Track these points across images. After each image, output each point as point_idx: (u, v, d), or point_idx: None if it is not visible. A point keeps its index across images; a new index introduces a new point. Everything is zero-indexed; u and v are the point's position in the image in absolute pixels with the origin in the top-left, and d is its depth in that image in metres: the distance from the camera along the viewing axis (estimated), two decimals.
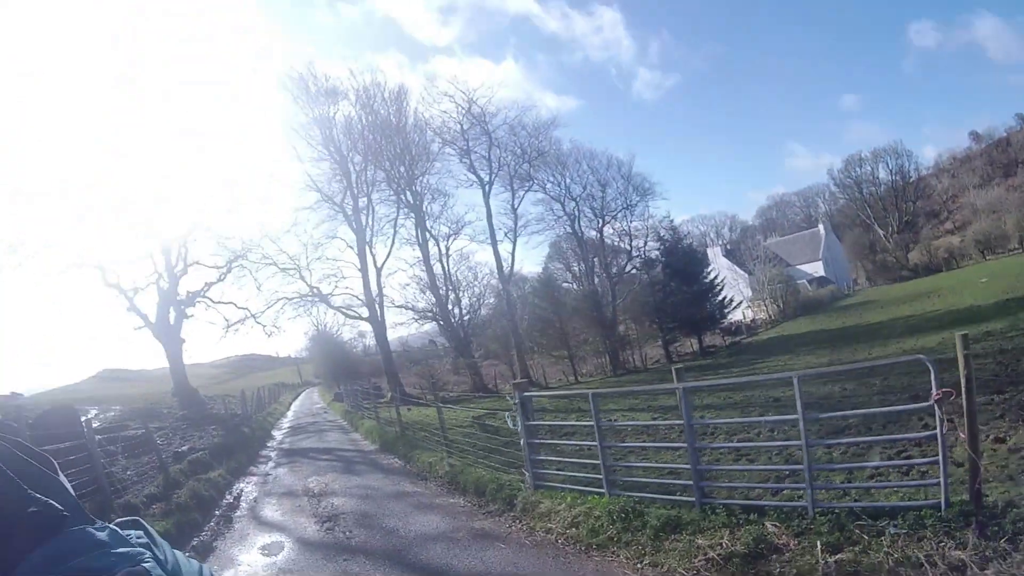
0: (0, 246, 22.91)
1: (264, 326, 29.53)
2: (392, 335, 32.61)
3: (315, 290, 29.30)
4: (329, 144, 28.83)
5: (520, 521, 5.80)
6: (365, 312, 29.78)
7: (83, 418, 10.27)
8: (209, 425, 16.81)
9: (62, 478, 0.60)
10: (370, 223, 29.44)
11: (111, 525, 0.59)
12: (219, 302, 28.61)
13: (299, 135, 28.96)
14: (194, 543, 6.73)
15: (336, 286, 29.83)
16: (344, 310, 30.65)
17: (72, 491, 0.60)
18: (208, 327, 28.49)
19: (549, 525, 5.38)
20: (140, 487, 8.82)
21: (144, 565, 0.54)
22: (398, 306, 31.51)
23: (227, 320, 28.94)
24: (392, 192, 30.04)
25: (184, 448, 12.58)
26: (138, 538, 0.60)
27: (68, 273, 26.03)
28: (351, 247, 29.35)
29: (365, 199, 29.42)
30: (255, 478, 11.00)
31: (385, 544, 5.88)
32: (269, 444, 16.55)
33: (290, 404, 35.15)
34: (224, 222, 30.28)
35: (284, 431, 20.30)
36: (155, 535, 0.63)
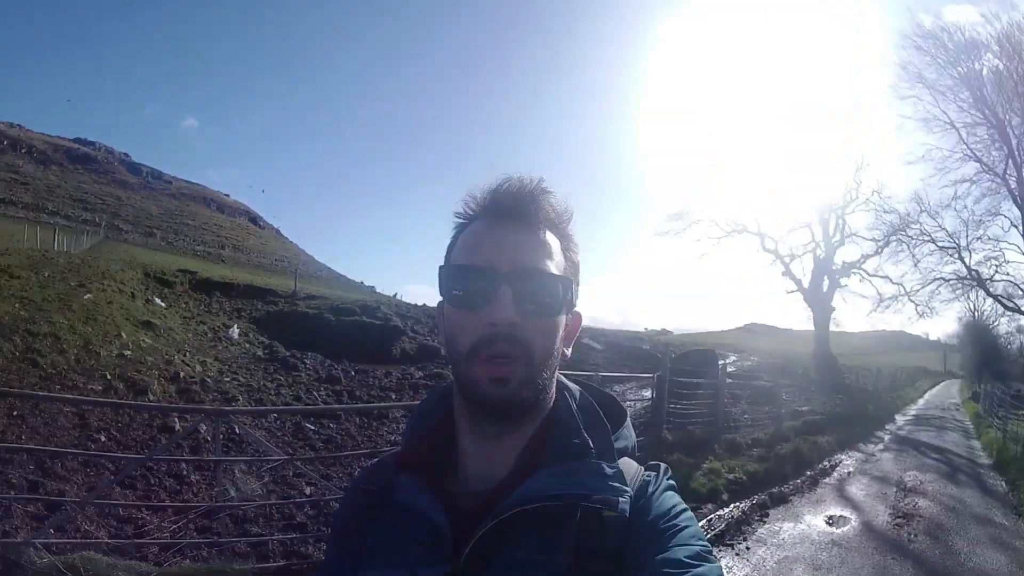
0: (667, 215, 34.33)
1: (916, 305, 31.14)
2: None
3: (974, 273, 29.01)
4: (983, 106, 27.08)
5: None
6: None
7: (720, 362, 13.86)
8: (836, 393, 19.48)
9: (626, 428, 0.87)
10: None
11: (621, 465, 0.79)
12: (874, 275, 32.17)
13: (948, 98, 28.12)
14: (772, 490, 8.79)
15: (996, 271, 28.71)
16: (1003, 299, 29.27)
17: (625, 437, 0.86)
18: (859, 299, 32.19)
19: None
20: (750, 431, 11.84)
21: (619, 499, 0.73)
22: None
23: (880, 294, 31.99)
24: None
25: (804, 408, 15.27)
26: (644, 478, 0.81)
27: (728, 238, 34.93)
28: (1016, 226, 27.57)
29: None
30: (858, 455, 12.55)
31: (937, 563, 6.40)
32: (887, 426, 17.97)
33: (924, 392, 37.24)
34: (880, 195, 31.79)
35: (907, 418, 21.60)
36: (661, 479, 0.82)
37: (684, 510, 0.78)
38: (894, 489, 9.51)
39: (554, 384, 0.83)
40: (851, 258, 33.41)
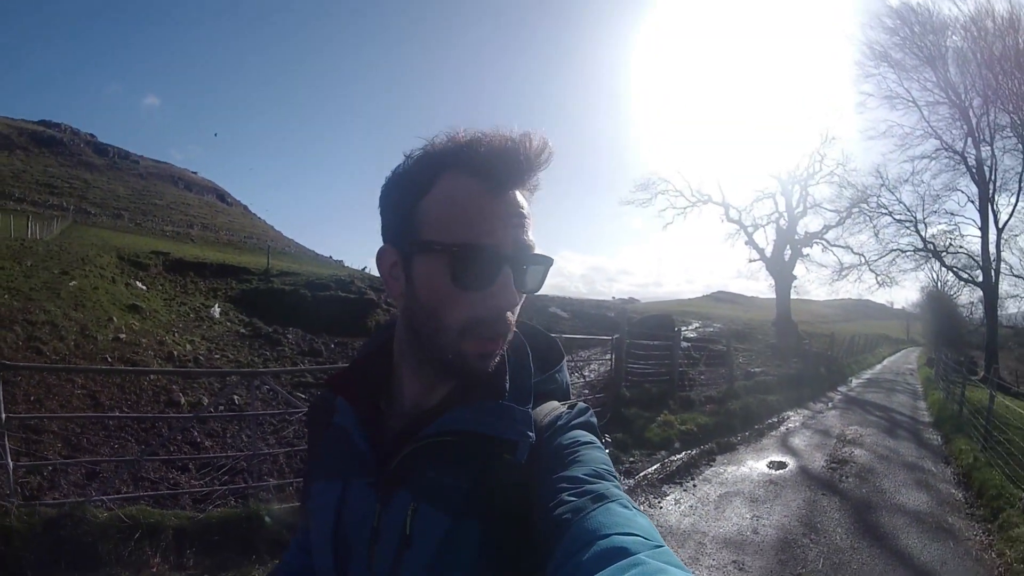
0: (634, 185, 35.39)
1: (876, 274, 32.53)
2: (1014, 307, 32.42)
3: (929, 245, 30.59)
4: (946, 86, 28.47)
5: (989, 535, 6.25)
6: (979, 276, 29.50)
7: (676, 328, 14.97)
8: (792, 357, 20.62)
9: (559, 372, 0.91)
10: (993, 177, 28.40)
11: (544, 407, 0.84)
12: (835, 245, 33.80)
13: (911, 77, 29.58)
14: (720, 440, 9.79)
15: (951, 243, 30.41)
16: (957, 270, 31.05)
17: (555, 381, 0.90)
18: (820, 268, 33.95)
19: (1007, 551, 5.67)
20: (704, 389, 12.92)
21: (519, 442, 0.76)
22: (1015, 275, 29.88)
23: (840, 263, 33.67)
24: (1019, 140, 27.61)
25: (757, 370, 16.38)
26: (556, 415, 0.82)
27: (693, 208, 36.51)
28: (972, 202, 29.25)
29: (988, 148, 28.23)
30: (805, 412, 13.73)
31: (863, 498, 7.33)
32: (839, 388, 19.22)
33: (883, 358, 39.13)
34: (844, 168, 33.26)
35: (860, 381, 22.87)
36: (574, 416, 0.83)
37: (590, 443, 0.79)
38: (834, 440, 10.50)
39: None
40: (813, 228, 35.01)
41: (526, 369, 0.87)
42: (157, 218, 61.82)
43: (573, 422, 0.82)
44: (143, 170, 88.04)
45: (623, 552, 0.57)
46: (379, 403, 0.89)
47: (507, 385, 0.83)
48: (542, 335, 0.95)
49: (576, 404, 0.86)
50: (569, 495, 0.68)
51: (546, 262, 0.80)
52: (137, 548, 4.25)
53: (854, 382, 21.90)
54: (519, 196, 0.78)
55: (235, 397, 8.89)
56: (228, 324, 16.43)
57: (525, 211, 0.78)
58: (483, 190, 0.75)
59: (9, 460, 4.47)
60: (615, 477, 0.74)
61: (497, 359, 0.80)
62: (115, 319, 12.64)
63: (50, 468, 5.82)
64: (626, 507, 0.66)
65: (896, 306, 78.68)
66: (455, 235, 0.74)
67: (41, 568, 3.96)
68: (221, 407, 8.53)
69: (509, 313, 0.78)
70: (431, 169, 0.78)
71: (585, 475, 0.71)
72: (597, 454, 0.77)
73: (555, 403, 0.86)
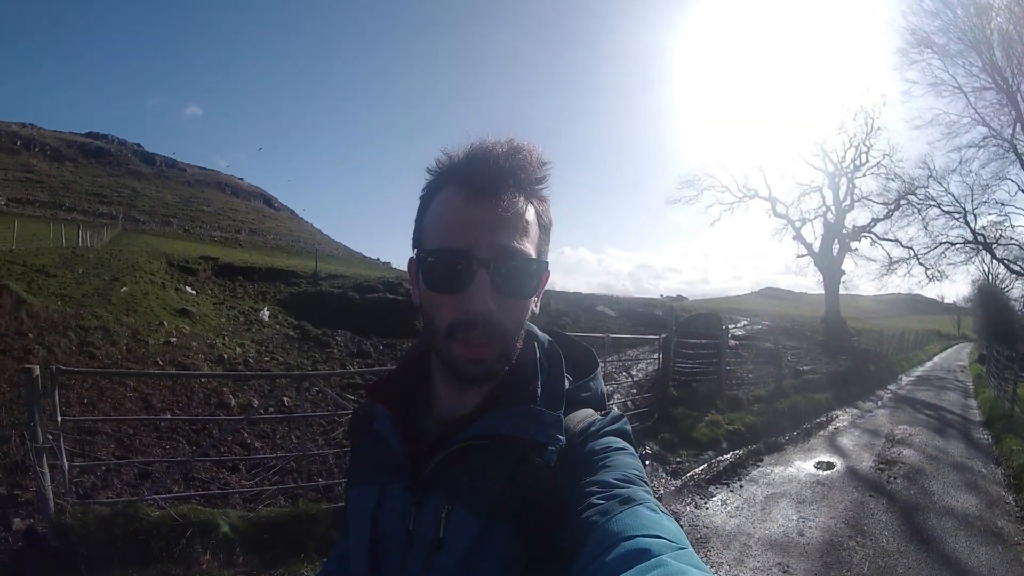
0: (680, 182, 35.49)
1: (926, 268, 31.53)
2: None
3: (979, 237, 29.25)
4: (992, 71, 26.94)
5: None
6: None
7: (724, 325, 14.75)
8: (841, 355, 20.12)
9: (593, 379, 0.92)
10: None
11: (578, 414, 0.85)
12: (883, 238, 32.98)
13: (956, 63, 28.04)
14: (768, 440, 9.63)
15: (1001, 235, 28.96)
16: (1008, 263, 29.68)
17: (590, 388, 0.91)
18: (868, 263, 33.04)
19: None
20: (752, 388, 12.71)
21: (549, 446, 0.78)
22: None
23: (889, 257, 32.73)
24: None
25: (805, 368, 16.03)
26: (589, 421, 0.84)
27: (739, 204, 36.15)
28: (1023, 191, 27.87)
29: None
30: (854, 411, 13.43)
31: (912, 500, 7.17)
32: (888, 386, 18.73)
33: (933, 355, 37.90)
34: (891, 159, 32.16)
35: (910, 378, 22.28)
36: (607, 423, 0.84)
37: (623, 449, 0.80)
38: (883, 440, 10.28)
39: (522, 339, 0.86)
40: (861, 222, 34.18)
41: (559, 376, 0.89)
42: (205, 224, 63.72)
43: (606, 428, 0.84)
44: (190, 177, 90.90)
45: (647, 554, 0.58)
46: (417, 410, 0.93)
47: (539, 391, 0.85)
48: (577, 344, 0.98)
49: (610, 411, 0.88)
50: (598, 498, 0.70)
51: (532, 264, 0.82)
52: (188, 546, 4.38)
53: (904, 380, 21.38)
54: (510, 202, 0.79)
55: (284, 399, 9.07)
56: (277, 327, 16.74)
57: (512, 216, 0.79)
58: (464, 198, 0.79)
59: (64, 460, 4.64)
60: (645, 482, 0.75)
61: (497, 365, 0.82)
62: (165, 323, 13.03)
63: (103, 468, 6.03)
64: (653, 510, 0.67)
65: (947, 301, 76.20)
66: (435, 242, 0.81)
67: (95, 564, 4.11)
68: (271, 409, 8.73)
69: (494, 318, 0.79)
70: (432, 186, 0.85)
71: (615, 480, 0.73)
72: (629, 460, 0.78)
73: (589, 410, 0.88)
